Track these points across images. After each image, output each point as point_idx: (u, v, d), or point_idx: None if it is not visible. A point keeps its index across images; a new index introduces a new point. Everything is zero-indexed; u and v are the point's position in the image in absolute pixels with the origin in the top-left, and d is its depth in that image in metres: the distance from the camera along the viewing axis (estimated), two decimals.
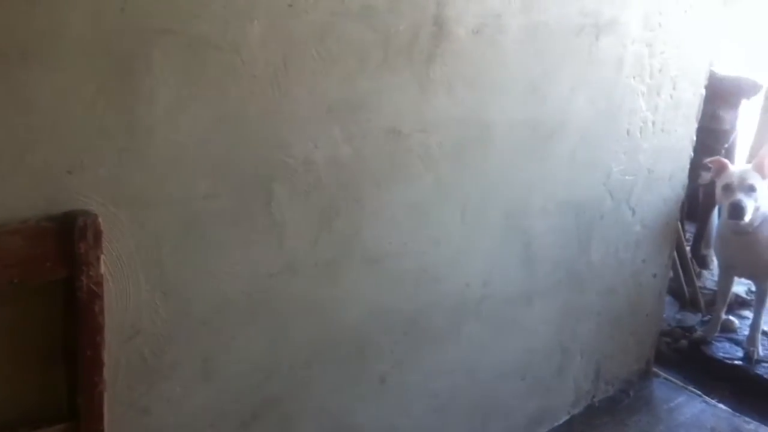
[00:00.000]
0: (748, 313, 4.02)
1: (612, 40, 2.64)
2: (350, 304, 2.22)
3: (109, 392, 1.70)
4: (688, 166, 3.27)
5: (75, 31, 1.50)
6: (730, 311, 4.05)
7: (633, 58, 2.76)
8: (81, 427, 1.67)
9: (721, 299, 3.90)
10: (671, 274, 3.67)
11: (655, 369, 3.61)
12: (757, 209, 3.38)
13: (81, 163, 1.58)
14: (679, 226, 3.71)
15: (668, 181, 3.20)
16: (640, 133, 2.93)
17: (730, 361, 3.72)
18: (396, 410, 2.47)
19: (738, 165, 3.75)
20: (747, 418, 3.32)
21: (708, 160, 3.58)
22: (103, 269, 1.61)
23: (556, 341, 2.97)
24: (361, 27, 1.96)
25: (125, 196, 1.67)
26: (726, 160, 3.56)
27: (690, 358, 3.80)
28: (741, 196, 3.35)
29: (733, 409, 3.38)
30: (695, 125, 3.21)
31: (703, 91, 3.20)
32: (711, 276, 4.54)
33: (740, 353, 3.77)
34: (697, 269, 4.50)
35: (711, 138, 4.09)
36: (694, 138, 3.24)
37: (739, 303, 4.22)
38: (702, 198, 4.58)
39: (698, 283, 4.34)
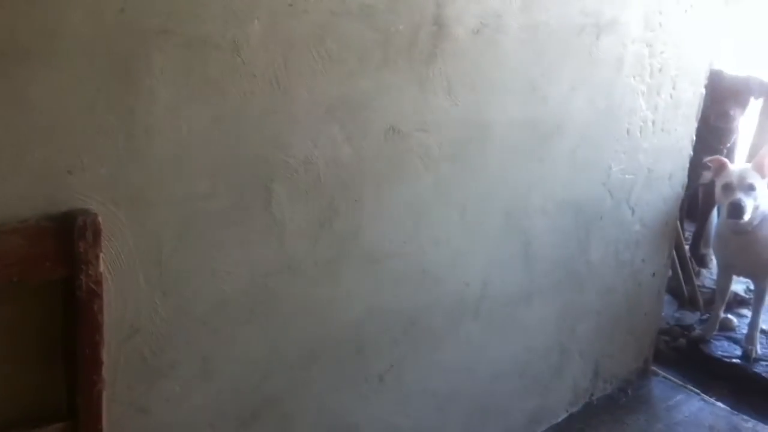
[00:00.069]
0: (747, 312, 4.02)
1: (612, 40, 2.64)
2: (350, 304, 2.22)
3: (108, 391, 1.70)
4: (687, 165, 3.27)
5: (75, 31, 1.50)
6: (728, 310, 4.06)
7: (633, 57, 2.76)
8: (80, 427, 1.67)
9: (719, 298, 3.91)
10: (670, 273, 3.67)
11: (653, 367, 3.62)
12: (756, 208, 3.39)
13: (81, 163, 1.58)
14: (679, 226, 3.72)
15: (668, 181, 3.20)
16: (640, 132, 2.93)
17: (728, 360, 3.73)
18: (395, 409, 2.47)
19: (738, 164, 3.76)
20: (745, 417, 3.32)
21: (708, 159, 3.59)
22: (102, 268, 1.61)
23: (555, 340, 2.98)
24: (361, 27, 1.95)
25: (125, 195, 1.67)
26: (725, 159, 3.56)
27: (689, 357, 3.81)
28: (740, 196, 3.35)
29: (731, 408, 3.39)
30: (695, 125, 3.22)
31: (703, 91, 3.20)
32: (710, 275, 4.54)
33: (739, 352, 3.77)
34: (696, 268, 4.50)
35: (714, 137, 4.10)
36: (694, 137, 3.24)
37: (738, 302, 4.22)
38: (701, 197, 4.59)
39: (697, 282, 4.34)
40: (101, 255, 1.60)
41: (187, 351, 1.89)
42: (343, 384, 2.28)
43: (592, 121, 2.71)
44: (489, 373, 2.75)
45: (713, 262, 4.47)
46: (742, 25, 4.91)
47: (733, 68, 4.27)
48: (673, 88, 3.00)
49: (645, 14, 2.73)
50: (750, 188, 3.37)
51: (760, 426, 3.27)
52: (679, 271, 4.25)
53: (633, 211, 3.08)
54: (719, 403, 3.42)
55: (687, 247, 4.47)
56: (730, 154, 4.19)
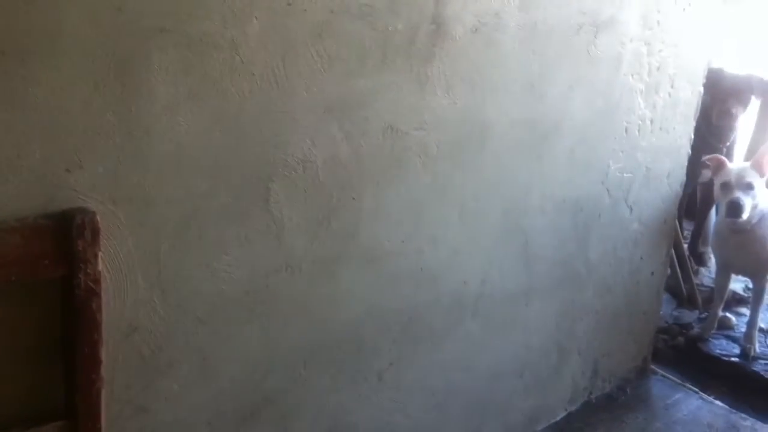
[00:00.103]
0: (745, 311, 4.03)
1: (610, 39, 2.64)
2: (348, 303, 2.22)
3: (106, 390, 1.70)
4: (686, 164, 3.27)
5: (73, 30, 1.50)
6: (727, 308, 4.06)
7: (631, 56, 2.76)
8: (78, 425, 1.67)
9: (718, 296, 3.91)
10: (669, 271, 3.67)
11: (652, 366, 3.62)
12: (754, 207, 3.40)
13: (79, 162, 1.58)
14: (677, 224, 3.72)
15: (666, 179, 3.20)
16: (639, 131, 2.94)
17: (727, 358, 3.73)
18: (394, 408, 2.47)
19: (736, 163, 3.76)
20: (744, 415, 3.33)
21: (706, 157, 3.59)
22: (101, 267, 1.60)
23: (553, 339, 2.98)
24: (360, 26, 1.96)
25: (123, 194, 1.67)
26: (724, 158, 3.56)
27: (687, 356, 3.81)
28: (739, 194, 3.36)
29: (730, 406, 3.39)
30: (693, 123, 3.22)
31: (702, 90, 3.20)
32: (708, 273, 4.55)
33: (737, 350, 3.77)
34: (695, 267, 4.51)
35: (714, 136, 4.10)
36: (693, 136, 3.24)
37: (737, 300, 4.22)
38: (700, 196, 4.59)
39: (696, 281, 4.34)
40: (100, 254, 1.60)
41: (186, 350, 1.90)
42: (342, 383, 2.29)
43: (591, 120, 2.71)
44: (488, 372, 2.75)
45: (712, 261, 4.48)
46: (744, 24, 4.92)
47: (735, 67, 4.28)
48: (672, 87, 3.01)
49: (643, 13, 2.73)
50: (748, 187, 3.37)
51: (759, 424, 3.27)
52: (678, 270, 4.25)
53: (631, 210, 3.08)
54: (718, 402, 3.42)
55: (686, 246, 4.48)
56: (729, 153, 4.20)
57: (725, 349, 3.81)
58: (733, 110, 4.04)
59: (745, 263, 3.70)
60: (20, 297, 1.60)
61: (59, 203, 1.58)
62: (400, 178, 2.20)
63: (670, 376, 3.61)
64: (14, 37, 1.44)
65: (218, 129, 1.77)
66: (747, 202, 3.35)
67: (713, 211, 4.31)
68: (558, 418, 3.16)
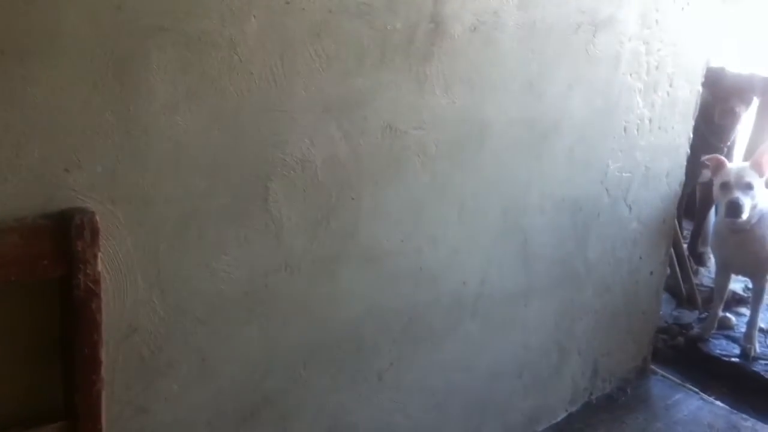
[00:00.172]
0: (745, 311, 4.04)
1: (609, 38, 2.64)
2: (348, 302, 2.22)
3: (106, 391, 1.69)
4: (684, 163, 3.27)
5: (71, 29, 1.50)
6: (727, 308, 4.06)
7: (630, 55, 2.76)
8: (78, 426, 1.66)
9: (718, 296, 3.92)
10: (668, 271, 3.67)
11: (652, 366, 3.62)
12: (754, 207, 3.40)
13: (78, 161, 1.58)
14: (676, 224, 3.72)
15: (665, 179, 3.20)
16: (637, 130, 2.93)
17: (727, 359, 3.73)
18: (394, 408, 2.47)
19: (736, 163, 3.76)
20: (744, 415, 3.33)
21: (706, 157, 3.60)
22: (100, 267, 1.60)
23: (553, 339, 2.97)
24: (358, 25, 1.95)
25: (122, 193, 1.67)
26: (723, 158, 3.57)
27: (687, 356, 3.81)
28: (738, 194, 3.36)
29: (730, 406, 3.39)
30: (692, 122, 3.22)
31: (700, 89, 3.20)
32: (708, 273, 4.55)
33: (737, 350, 3.78)
34: (695, 267, 4.51)
35: (715, 136, 4.10)
36: (691, 135, 3.24)
37: (736, 300, 4.23)
38: (700, 195, 4.59)
39: (695, 281, 4.35)
40: (99, 254, 1.59)
41: (185, 350, 1.89)
42: (342, 383, 2.28)
43: (589, 119, 2.71)
44: (488, 372, 2.75)
45: (711, 261, 4.48)
46: (744, 23, 4.92)
47: (735, 66, 4.28)
48: (670, 86, 3.01)
49: (642, 12, 2.73)
50: (748, 187, 3.37)
51: (759, 425, 3.27)
52: (678, 270, 4.25)
53: (630, 209, 3.08)
54: (718, 402, 3.42)
55: (685, 246, 4.48)
56: (729, 153, 4.21)
57: (725, 349, 3.81)
58: (737, 109, 4.04)
59: (745, 263, 3.71)
60: (19, 297, 1.59)
61: (58, 203, 1.57)
62: (399, 177, 2.20)
63: (671, 377, 3.61)
64: (13, 37, 1.44)
65: (217, 128, 1.77)
66: (746, 202, 3.36)
67: (713, 211, 4.30)
68: (558, 419, 3.16)
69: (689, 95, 3.13)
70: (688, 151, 3.26)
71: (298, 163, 1.95)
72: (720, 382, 3.61)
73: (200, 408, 1.97)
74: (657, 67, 2.90)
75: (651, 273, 3.35)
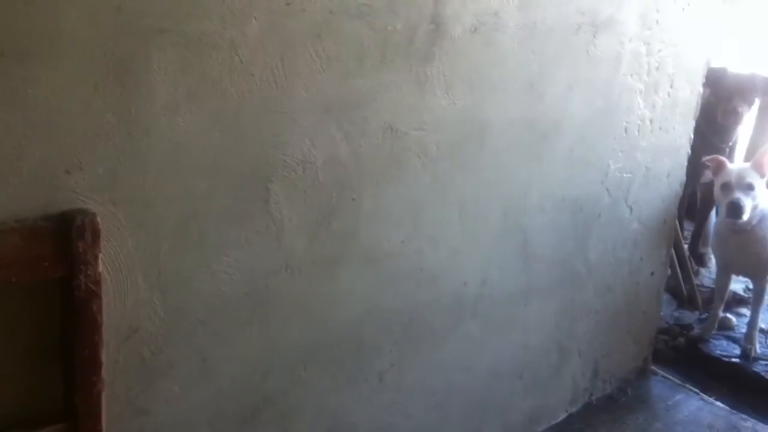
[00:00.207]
0: (746, 311, 4.03)
1: (609, 39, 2.64)
2: (348, 303, 2.22)
3: (107, 392, 1.70)
4: (685, 163, 3.27)
5: (72, 31, 1.50)
6: (727, 309, 4.06)
7: (630, 56, 2.76)
8: (79, 427, 1.66)
9: (718, 297, 3.91)
10: (669, 272, 3.67)
11: (652, 367, 3.62)
12: (755, 208, 3.40)
13: (79, 163, 1.58)
14: (677, 224, 3.72)
15: (666, 179, 3.20)
16: (638, 131, 2.93)
17: (727, 359, 3.73)
18: (394, 409, 2.47)
19: (737, 163, 3.76)
20: (744, 416, 3.32)
21: (707, 158, 3.59)
22: (101, 268, 1.60)
23: (553, 339, 2.97)
24: (359, 25, 1.95)
25: (123, 195, 1.67)
26: (724, 159, 3.56)
27: (687, 356, 3.81)
28: (739, 195, 3.36)
29: (730, 407, 3.39)
30: (693, 123, 3.22)
31: (701, 89, 3.20)
32: (709, 274, 4.55)
33: (738, 351, 3.77)
34: (695, 267, 4.51)
35: (717, 136, 4.10)
36: (692, 136, 3.24)
37: (737, 301, 4.22)
38: (701, 196, 4.59)
39: (696, 281, 4.35)
40: (100, 255, 1.60)
41: (186, 351, 1.89)
42: (342, 383, 2.28)
43: (590, 120, 2.71)
44: (488, 373, 2.75)
45: (712, 261, 4.48)
46: (746, 23, 4.92)
47: (737, 67, 4.28)
48: (671, 87, 3.01)
49: (642, 12, 2.73)
50: (749, 188, 3.37)
51: (760, 425, 3.27)
52: (678, 271, 4.25)
53: (631, 210, 3.08)
54: (718, 403, 3.42)
55: (686, 246, 4.47)
56: (731, 153, 4.21)
57: (726, 349, 3.81)
58: (739, 109, 4.04)
59: (746, 264, 3.70)
60: (20, 298, 1.60)
61: (59, 204, 1.58)
62: (399, 178, 2.20)
63: (671, 377, 3.61)
64: (14, 38, 1.44)
65: (217, 129, 1.77)
66: (747, 203, 3.35)
67: (714, 211, 4.30)
68: (559, 420, 3.15)
69: (690, 96, 3.13)
70: (689, 151, 3.26)
71: (298, 164, 1.95)
72: (720, 382, 3.60)
73: (201, 408, 1.97)
74: (658, 68, 2.90)
75: (652, 273, 3.35)
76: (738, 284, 4.29)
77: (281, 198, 1.95)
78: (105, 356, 1.67)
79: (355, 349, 2.28)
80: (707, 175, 3.87)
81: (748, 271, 3.80)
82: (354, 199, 2.11)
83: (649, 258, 3.30)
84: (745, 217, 3.36)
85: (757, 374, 3.60)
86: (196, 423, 1.97)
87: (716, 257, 3.98)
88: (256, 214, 1.92)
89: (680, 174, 3.27)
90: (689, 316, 4.13)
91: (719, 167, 3.52)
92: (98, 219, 1.58)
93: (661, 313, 3.71)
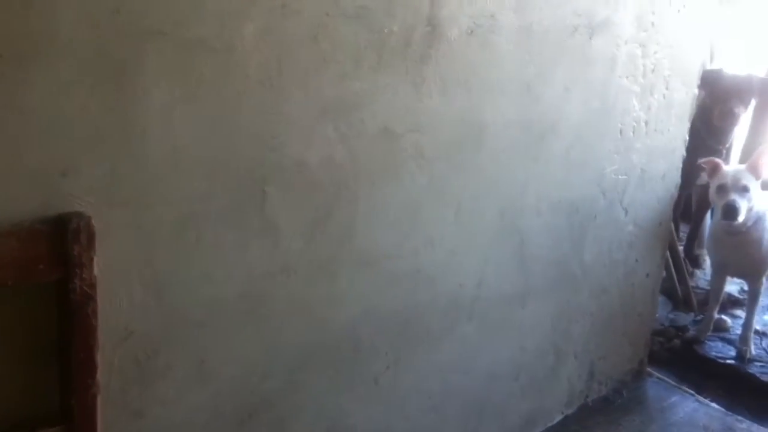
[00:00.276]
0: (741, 313, 4.03)
1: (605, 40, 2.64)
2: (345, 305, 2.21)
3: (102, 395, 1.69)
4: (680, 165, 3.28)
5: (68, 33, 1.50)
6: (722, 311, 4.07)
7: (626, 58, 2.76)
8: (74, 430, 1.66)
9: (713, 299, 3.92)
10: (664, 273, 3.67)
11: (648, 369, 3.62)
12: (750, 209, 3.40)
13: (75, 165, 1.58)
14: (672, 226, 3.72)
15: (661, 181, 3.20)
16: (633, 132, 2.94)
17: (722, 361, 3.74)
18: (391, 411, 2.47)
19: (732, 165, 3.77)
20: (740, 417, 3.33)
21: (702, 160, 3.59)
22: (96, 271, 1.60)
23: (549, 341, 2.97)
24: (355, 28, 1.95)
25: (119, 197, 1.66)
26: (720, 161, 3.57)
27: (683, 358, 3.81)
28: (735, 197, 3.36)
29: (726, 408, 3.40)
30: (688, 125, 3.22)
31: (696, 91, 3.21)
32: (704, 276, 4.56)
33: (733, 352, 3.78)
34: (690, 269, 4.51)
35: (713, 138, 4.11)
36: (687, 138, 3.25)
37: (732, 302, 4.23)
38: (696, 198, 4.60)
39: (691, 283, 4.35)
40: (95, 258, 1.59)
41: (182, 353, 1.89)
42: (339, 385, 2.28)
43: (586, 122, 2.71)
44: (484, 374, 2.75)
45: (707, 263, 4.48)
46: (747, 24, 4.94)
47: (738, 68, 4.30)
48: (666, 89, 3.01)
49: (638, 14, 2.73)
50: (744, 190, 3.37)
51: (755, 427, 3.27)
52: (673, 272, 4.25)
53: (626, 212, 3.08)
54: (714, 404, 3.43)
55: (681, 248, 4.48)
56: (727, 155, 4.21)
57: (721, 351, 3.82)
58: (736, 110, 4.04)
59: (741, 265, 3.71)
60: (15, 301, 1.59)
61: (55, 207, 1.57)
62: (396, 179, 2.20)
63: (667, 379, 3.62)
64: (10, 40, 1.44)
65: (214, 131, 1.77)
66: (743, 205, 3.36)
67: (709, 213, 4.31)
68: (554, 422, 3.16)
69: (685, 97, 3.14)
70: (684, 153, 3.27)
71: (295, 166, 1.95)
72: (716, 384, 3.61)
73: (197, 411, 1.96)
74: (653, 70, 2.91)
75: (647, 275, 3.36)
76: (733, 286, 4.29)
77: (278, 199, 1.94)
78: (101, 359, 1.66)
79: (353, 350, 2.28)
80: (703, 177, 3.88)
81: (744, 272, 3.80)
82: (350, 201, 2.11)
83: (645, 260, 3.30)
84: (741, 219, 3.36)
85: (752, 375, 3.61)
86: (192, 425, 1.97)
87: (711, 259, 3.99)
88: (253, 216, 1.92)
89: (675, 176, 3.28)
90: (684, 318, 4.13)
91: (715, 169, 3.52)
92: (94, 221, 1.58)
93: (657, 315, 3.72)
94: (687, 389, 3.53)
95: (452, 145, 2.30)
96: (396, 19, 2.02)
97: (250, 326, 2.00)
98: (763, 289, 3.76)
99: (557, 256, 2.84)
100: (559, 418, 3.18)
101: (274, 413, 2.13)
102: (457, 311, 2.55)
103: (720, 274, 3.89)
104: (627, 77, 2.81)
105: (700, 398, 3.46)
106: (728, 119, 4.07)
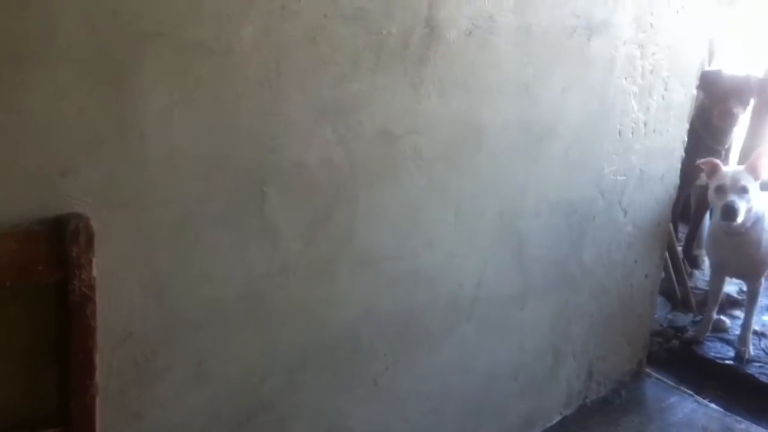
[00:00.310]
0: (740, 313, 4.03)
1: (604, 42, 2.64)
2: (344, 306, 2.21)
3: (101, 396, 1.69)
4: (679, 166, 3.28)
5: (67, 34, 1.50)
6: (721, 311, 4.06)
7: (625, 59, 2.76)
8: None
9: (712, 299, 3.92)
10: (663, 274, 3.67)
11: (647, 369, 3.62)
12: (749, 210, 3.40)
13: (73, 167, 1.58)
14: (671, 227, 3.72)
15: (660, 182, 3.20)
16: (632, 133, 2.94)
17: (721, 361, 3.73)
18: (390, 412, 2.47)
19: (731, 166, 3.77)
20: (738, 418, 3.33)
21: (701, 161, 3.59)
22: (95, 272, 1.60)
23: (548, 342, 2.98)
24: (354, 29, 1.95)
25: (118, 198, 1.66)
26: (718, 162, 3.56)
27: (682, 359, 3.81)
28: (734, 198, 3.36)
29: (724, 409, 3.39)
30: (687, 126, 3.22)
31: (695, 92, 3.21)
32: (702, 276, 4.55)
33: (731, 353, 3.78)
34: (689, 269, 4.51)
35: (713, 138, 4.11)
36: (686, 138, 3.25)
37: (731, 303, 4.23)
38: (695, 199, 4.60)
39: (690, 284, 4.35)
40: (94, 259, 1.59)
41: (181, 355, 1.89)
42: (338, 387, 2.28)
43: (585, 123, 2.71)
44: (484, 375, 2.75)
45: (706, 264, 4.48)
46: (748, 24, 4.94)
47: (740, 68, 4.30)
48: (665, 90, 3.01)
49: (636, 15, 2.73)
50: (743, 190, 3.37)
51: (753, 427, 3.27)
52: (672, 273, 4.25)
53: (625, 213, 3.08)
54: (713, 405, 3.43)
55: (680, 249, 4.48)
56: (727, 156, 4.21)
57: (720, 351, 3.81)
58: (735, 110, 4.04)
59: (740, 266, 3.71)
60: (14, 302, 1.59)
61: (54, 208, 1.57)
62: (395, 180, 2.20)
63: (665, 379, 3.61)
64: (8, 42, 1.44)
65: (212, 133, 1.77)
66: (741, 206, 3.35)
67: (708, 214, 4.31)
68: (553, 422, 3.16)
69: (684, 98, 3.14)
70: (683, 154, 3.27)
71: (293, 168, 1.95)
72: (714, 384, 3.61)
73: (196, 412, 1.96)
74: (652, 71, 2.91)
75: (646, 276, 3.36)
76: (732, 286, 4.29)
77: (276, 201, 1.94)
78: (99, 360, 1.66)
79: (352, 351, 2.28)
80: (702, 177, 3.88)
81: (742, 273, 3.80)
82: (349, 202, 2.11)
83: (644, 260, 3.30)
84: (740, 219, 3.36)
85: (751, 376, 3.61)
86: (191, 427, 1.97)
87: (710, 259, 3.99)
88: (252, 217, 1.92)
89: (674, 176, 3.28)
90: (683, 319, 4.13)
91: (713, 170, 3.52)
92: (93, 223, 1.58)
93: (655, 316, 3.72)
94: (686, 390, 3.53)
95: (451, 147, 2.30)
96: (394, 21, 2.02)
97: (249, 327, 2.00)
98: (761, 289, 3.76)
99: (556, 257, 2.85)
100: (557, 418, 3.17)
101: (273, 414, 2.13)
102: (457, 312, 2.55)
103: (719, 274, 3.89)
104: (626, 78, 2.81)
105: (699, 399, 3.46)
106: (727, 120, 4.06)
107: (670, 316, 4.14)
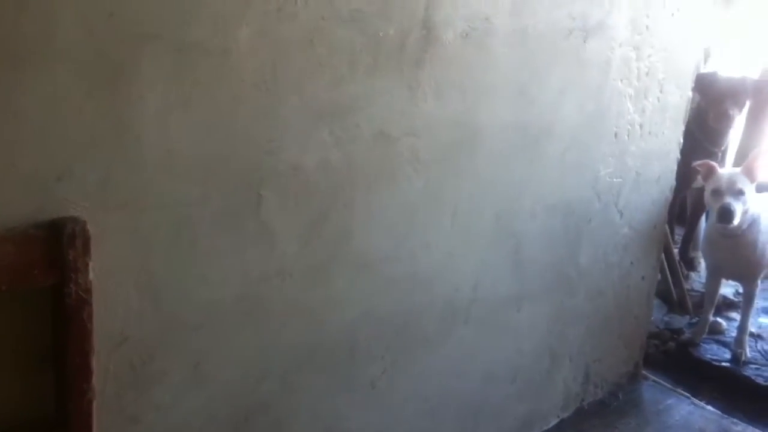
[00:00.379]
0: (736, 315, 4.04)
1: (600, 44, 2.65)
2: (341, 308, 2.21)
3: (98, 400, 1.69)
4: (675, 168, 3.28)
5: (64, 36, 1.50)
6: (717, 313, 4.08)
7: (620, 61, 2.77)
8: None
9: (708, 301, 3.92)
10: (659, 276, 3.67)
11: (643, 371, 3.62)
12: (745, 212, 3.40)
13: (70, 170, 1.57)
14: (667, 229, 3.72)
15: (656, 184, 3.21)
16: (628, 135, 2.94)
17: (718, 363, 3.74)
18: (387, 414, 2.46)
19: (727, 169, 3.77)
20: (735, 420, 3.33)
21: (697, 163, 3.59)
22: (91, 276, 1.60)
23: (545, 344, 2.97)
24: (351, 31, 1.95)
25: (115, 202, 1.66)
26: (715, 164, 3.57)
27: (678, 361, 3.81)
28: (730, 200, 3.36)
29: (721, 411, 3.39)
30: (682, 128, 3.23)
31: (690, 94, 3.22)
32: (699, 278, 4.56)
33: (728, 355, 3.78)
34: (685, 272, 4.52)
35: (709, 140, 4.12)
36: (682, 140, 3.25)
37: (727, 305, 4.24)
38: (691, 201, 4.60)
39: (686, 286, 4.35)
40: (90, 263, 1.59)
41: (178, 358, 1.88)
42: (335, 389, 2.28)
43: (581, 125, 2.71)
44: (481, 378, 2.74)
45: (702, 266, 4.49)
46: (746, 26, 4.95)
47: (736, 70, 4.31)
48: (661, 92, 3.02)
49: (632, 18, 2.74)
50: (739, 193, 3.38)
51: (750, 429, 3.28)
52: (669, 275, 4.26)
53: (621, 215, 3.08)
54: (709, 407, 3.43)
55: (676, 251, 4.48)
56: (723, 158, 4.22)
57: (716, 353, 3.82)
58: (730, 112, 4.05)
59: (736, 268, 3.72)
60: (10, 306, 1.58)
61: (50, 212, 1.57)
62: (392, 183, 2.19)
63: (662, 382, 3.61)
64: (5, 43, 1.43)
65: (209, 136, 1.77)
66: (738, 208, 3.36)
67: (704, 216, 4.31)
68: (550, 425, 3.15)
69: (679, 100, 3.15)
70: (679, 156, 3.28)
71: (290, 170, 1.95)
72: (711, 386, 3.61)
73: (193, 415, 1.96)
74: (647, 73, 2.91)
75: (642, 278, 3.36)
76: (728, 288, 4.30)
77: (273, 203, 1.94)
78: (96, 364, 1.66)
79: (349, 354, 2.28)
80: (698, 179, 3.88)
81: (738, 275, 3.81)
82: (346, 205, 2.11)
83: (640, 262, 3.30)
84: (736, 222, 3.37)
85: (748, 378, 3.61)
86: (188, 430, 1.96)
87: (706, 261, 3.99)
88: (249, 220, 1.91)
89: (670, 178, 3.28)
90: (680, 321, 4.14)
91: (710, 172, 3.52)
92: (89, 226, 1.57)
93: (652, 318, 3.72)
94: (682, 392, 3.53)
95: (448, 149, 2.30)
96: (391, 23, 2.02)
97: (246, 329, 2.00)
98: (757, 291, 3.77)
99: (552, 259, 2.84)
100: (555, 421, 3.17)
101: (270, 417, 2.13)
102: (454, 314, 2.54)
103: (715, 276, 3.90)
104: (621, 80, 2.81)
105: (696, 401, 3.46)
106: (723, 121, 4.07)
107: (666, 318, 4.15)
